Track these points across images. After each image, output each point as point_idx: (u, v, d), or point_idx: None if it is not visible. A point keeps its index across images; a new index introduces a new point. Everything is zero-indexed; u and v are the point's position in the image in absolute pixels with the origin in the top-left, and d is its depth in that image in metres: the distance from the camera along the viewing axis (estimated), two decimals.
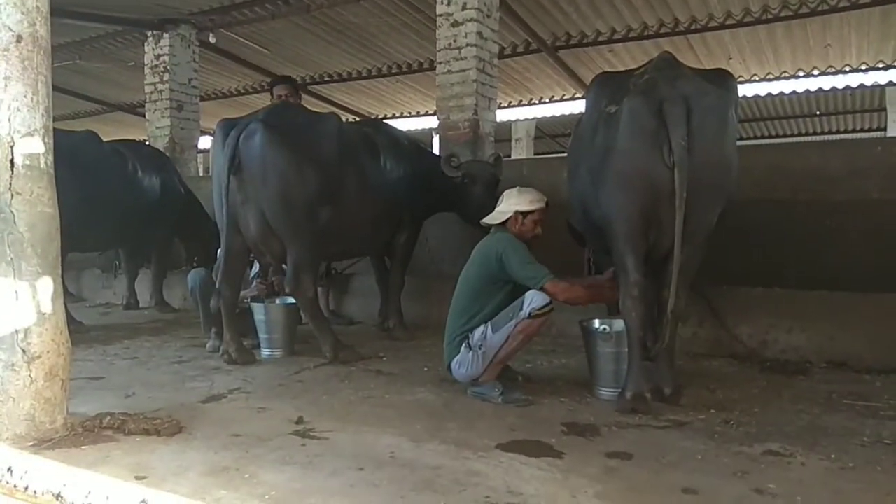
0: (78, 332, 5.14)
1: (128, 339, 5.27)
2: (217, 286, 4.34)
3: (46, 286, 2.72)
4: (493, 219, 3.66)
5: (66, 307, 2.92)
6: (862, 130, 13.43)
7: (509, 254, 3.43)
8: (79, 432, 2.78)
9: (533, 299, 3.31)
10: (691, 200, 2.95)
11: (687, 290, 3.35)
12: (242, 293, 4.70)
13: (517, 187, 3.70)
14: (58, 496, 2.21)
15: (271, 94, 5.55)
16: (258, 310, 4.64)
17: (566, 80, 10.57)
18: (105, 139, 6.41)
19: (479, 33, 6.61)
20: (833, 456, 2.59)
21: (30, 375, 2.65)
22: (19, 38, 2.64)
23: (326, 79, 11.26)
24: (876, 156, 4.85)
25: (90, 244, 6.34)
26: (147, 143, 8.64)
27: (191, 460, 2.52)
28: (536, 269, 3.37)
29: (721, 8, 7.87)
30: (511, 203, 3.60)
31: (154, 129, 8.81)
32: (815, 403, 3.36)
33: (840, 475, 2.42)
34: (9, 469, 2.37)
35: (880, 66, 9.50)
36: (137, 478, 2.32)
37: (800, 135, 14.23)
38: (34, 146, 2.69)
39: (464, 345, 3.50)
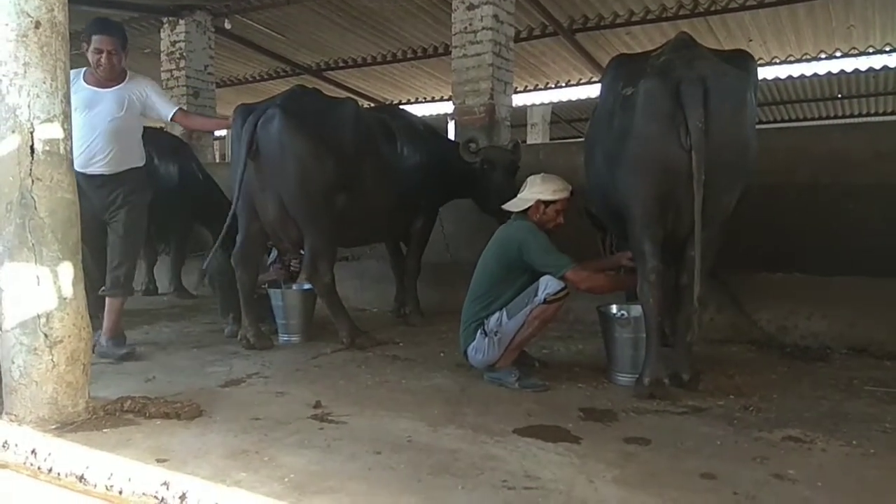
0: (97, 317, 5.19)
1: (147, 324, 5.33)
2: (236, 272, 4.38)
3: (67, 271, 2.75)
4: (514, 205, 3.62)
5: (86, 292, 2.95)
6: (885, 114, 13.15)
7: (530, 242, 3.40)
8: (100, 416, 2.82)
9: (548, 285, 3.29)
10: (709, 184, 2.91)
11: (706, 276, 3.31)
12: (260, 277, 4.72)
13: (541, 174, 3.64)
14: (81, 478, 2.25)
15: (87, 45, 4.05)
16: (275, 295, 4.66)
17: (583, 63, 10.44)
18: None
19: (495, 16, 6.56)
20: (854, 442, 2.56)
21: (52, 359, 2.69)
22: (38, 24, 2.65)
23: (342, 64, 11.22)
24: None
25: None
26: (164, 129, 8.70)
27: (211, 443, 2.55)
28: (558, 258, 3.35)
29: None
30: (534, 191, 3.56)
31: None
32: (835, 389, 3.33)
33: (861, 461, 2.40)
34: (33, 451, 2.41)
35: None
36: (158, 460, 2.35)
37: (822, 118, 13.96)
38: (54, 132, 2.71)
39: (479, 330, 3.49)
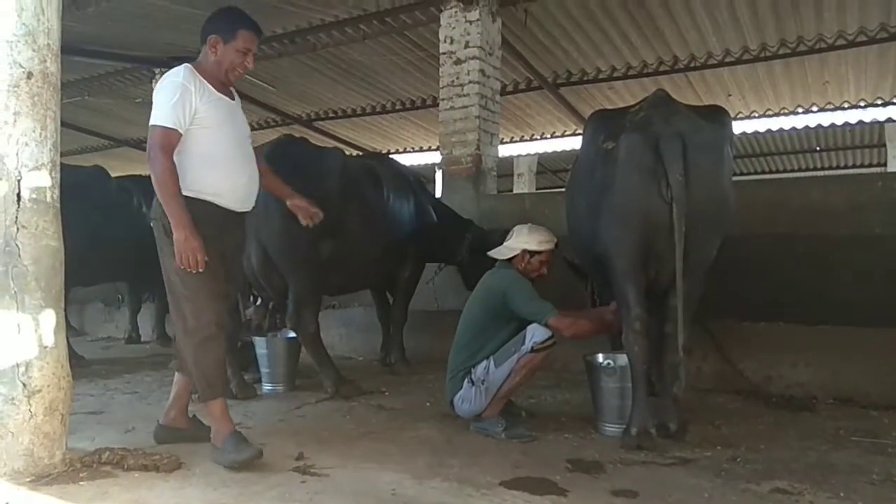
0: (79, 366, 5.11)
1: (129, 373, 5.25)
2: None
3: (49, 319, 2.72)
4: (500, 254, 3.66)
5: (68, 341, 2.91)
6: (863, 166, 13.50)
7: (514, 290, 3.42)
8: (77, 468, 2.74)
9: (535, 333, 3.29)
10: (690, 234, 2.97)
11: (689, 324, 3.34)
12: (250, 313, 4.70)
13: (528, 224, 3.69)
14: None
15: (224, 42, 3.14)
16: (260, 343, 4.62)
17: (567, 116, 10.69)
18: (113, 174, 6.48)
19: (482, 71, 6.73)
20: (842, 494, 2.55)
21: (29, 410, 2.63)
22: (30, 75, 2.69)
23: (331, 115, 11.40)
24: (877, 191, 4.89)
25: (95, 278, 6.37)
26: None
27: (189, 497, 2.48)
28: (540, 305, 3.36)
29: (719, 46, 8.00)
30: (521, 240, 3.60)
31: None
32: (822, 440, 3.32)
33: None
34: None
35: (878, 102, 9.60)
36: None
37: (801, 170, 14.30)
38: (41, 180, 2.72)
39: (466, 380, 3.47)
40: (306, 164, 4.28)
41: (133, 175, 7.42)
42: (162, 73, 8.57)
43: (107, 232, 5.80)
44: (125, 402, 4.21)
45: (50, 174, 2.75)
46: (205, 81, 2.96)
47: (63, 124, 2.91)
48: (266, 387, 4.55)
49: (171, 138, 2.86)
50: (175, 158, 2.88)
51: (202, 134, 2.92)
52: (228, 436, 2.89)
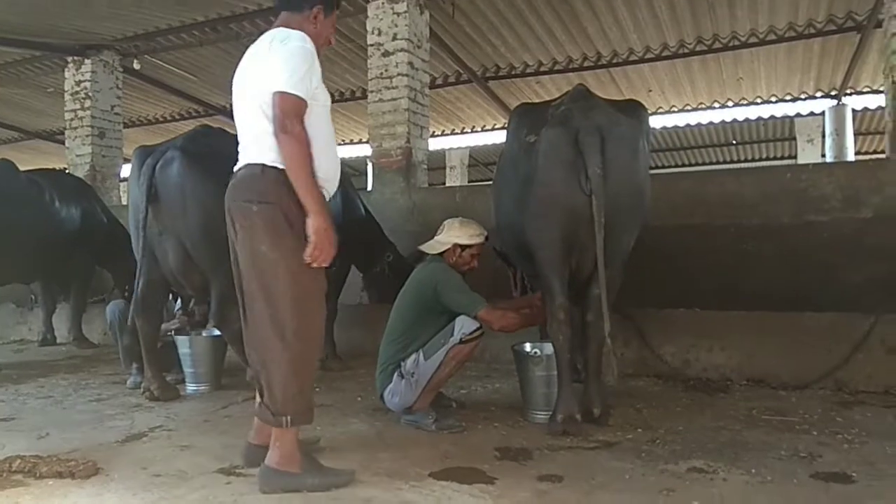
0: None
1: (43, 377, 4.99)
2: (131, 320, 4.17)
3: None
4: (430, 248, 3.67)
5: None
6: (775, 158, 14.23)
7: (445, 284, 3.44)
8: None
9: (464, 325, 3.32)
10: (609, 225, 3.05)
11: (608, 312, 3.44)
12: (164, 326, 4.53)
13: (459, 218, 3.71)
14: None
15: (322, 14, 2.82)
16: (182, 343, 4.48)
17: (496, 109, 10.81)
18: (22, 168, 6.14)
19: (410, 63, 6.71)
20: (753, 470, 2.68)
21: None
22: None
23: None
24: (786, 182, 5.15)
25: (5, 278, 6.04)
26: (67, 171, 8.31)
27: (107, 503, 2.39)
28: (471, 298, 3.40)
29: (640, 43, 8.26)
30: (452, 235, 3.62)
31: (74, 157, 8.48)
32: (735, 420, 3.49)
33: (759, 489, 2.51)
34: None
35: (788, 98, 10.15)
36: None
37: (718, 163, 14.95)
38: None
39: (396, 373, 3.46)
40: (224, 156, 4.14)
41: (44, 168, 7.06)
42: (74, 62, 8.32)
43: (16, 229, 5.50)
44: (38, 407, 4.00)
45: None
46: None
47: None
48: (190, 387, 4.42)
49: (303, 110, 2.45)
50: None
51: (318, 112, 2.56)
52: (305, 458, 2.58)
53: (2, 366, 5.45)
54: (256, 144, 2.51)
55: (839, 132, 10.20)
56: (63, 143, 8.93)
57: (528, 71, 9.15)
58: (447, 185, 12.87)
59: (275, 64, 2.45)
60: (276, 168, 2.45)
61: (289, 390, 2.49)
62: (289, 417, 2.49)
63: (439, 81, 9.52)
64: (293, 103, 2.42)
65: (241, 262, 2.57)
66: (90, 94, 8.40)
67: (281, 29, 2.57)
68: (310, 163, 2.45)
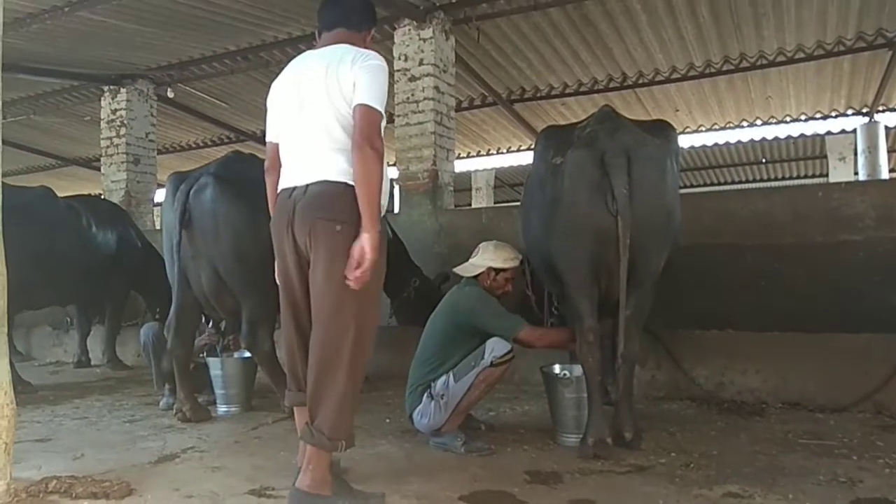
0: (25, 392, 4.94)
1: (78, 398, 5.08)
2: (168, 344, 4.24)
3: None
4: (465, 270, 3.67)
5: (13, 366, 2.81)
6: (806, 177, 14.02)
7: (480, 308, 3.45)
8: (22, 498, 2.64)
9: (494, 347, 3.31)
10: (636, 247, 3.04)
11: (639, 334, 3.40)
12: (196, 341, 4.59)
13: (493, 241, 3.71)
14: None
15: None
16: (214, 364, 4.53)
17: (522, 131, 10.85)
18: (60, 194, 6.32)
19: (436, 87, 6.79)
20: (791, 496, 2.62)
21: None
22: None
23: None
24: (818, 201, 5.07)
25: (43, 301, 6.19)
26: (102, 197, 8.53)
27: None
28: (511, 320, 3.41)
29: (666, 63, 8.24)
30: (486, 258, 3.61)
31: (110, 183, 8.72)
32: (772, 444, 3.41)
33: None
34: None
35: (818, 116, 10.02)
36: None
37: (747, 182, 14.76)
38: None
39: (426, 394, 3.46)
40: (256, 181, 4.22)
41: (81, 194, 7.27)
42: (110, 91, 8.57)
43: (54, 254, 5.66)
44: (74, 428, 4.07)
45: None
46: None
47: (6, 143, 2.84)
48: (221, 408, 4.46)
49: (382, 128, 2.49)
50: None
51: None
52: (335, 481, 2.59)
53: (38, 387, 5.55)
54: (330, 160, 2.48)
55: (871, 150, 10.01)
56: (99, 169, 9.18)
57: (554, 93, 9.18)
58: (473, 206, 12.90)
59: (362, 79, 2.45)
60: (352, 187, 2.43)
61: (345, 414, 2.49)
62: (343, 442, 2.48)
63: (465, 104, 9.59)
64: (378, 119, 2.44)
65: (312, 279, 2.52)
66: (125, 121, 8.65)
67: (353, 47, 2.57)
68: (381, 181, 2.45)
